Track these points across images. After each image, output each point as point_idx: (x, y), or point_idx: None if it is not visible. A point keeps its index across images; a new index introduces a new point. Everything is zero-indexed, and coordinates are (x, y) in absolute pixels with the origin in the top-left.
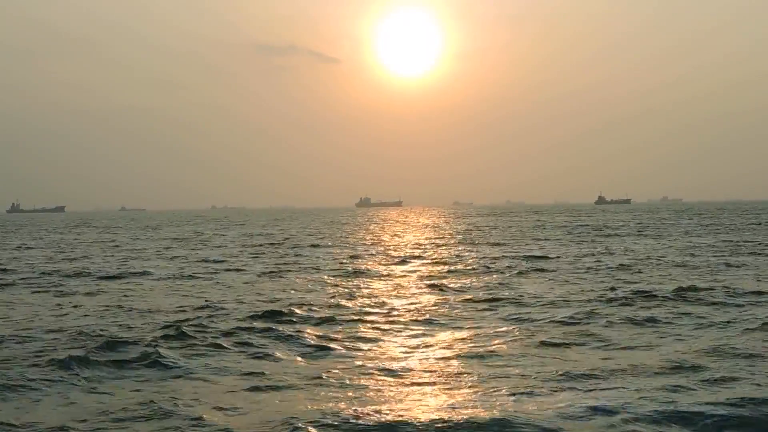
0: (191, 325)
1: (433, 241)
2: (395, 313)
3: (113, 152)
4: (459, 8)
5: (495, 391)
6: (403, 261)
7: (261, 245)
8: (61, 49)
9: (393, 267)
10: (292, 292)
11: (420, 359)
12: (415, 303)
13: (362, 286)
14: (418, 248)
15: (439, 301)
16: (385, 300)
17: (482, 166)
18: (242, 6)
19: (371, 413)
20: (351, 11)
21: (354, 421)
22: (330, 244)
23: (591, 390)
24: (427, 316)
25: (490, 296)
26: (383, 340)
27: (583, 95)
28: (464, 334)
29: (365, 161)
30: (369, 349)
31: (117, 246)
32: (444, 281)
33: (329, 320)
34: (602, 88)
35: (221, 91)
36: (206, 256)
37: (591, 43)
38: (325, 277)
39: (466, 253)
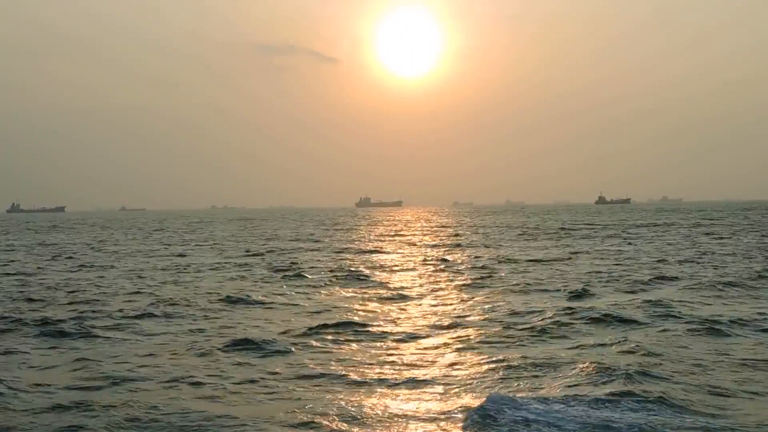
0: None
1: None
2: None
3: (113, 152)
4: (459, 8)
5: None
6: None
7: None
8: (61, 49)
9: None
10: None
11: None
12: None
13: None
14: None
15: None
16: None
17: (482, 166)
18: (242, 6)
19: None
20: (351, 11)
21: None
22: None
23: None
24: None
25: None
26: None
27: (583, 95)
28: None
29: (365, 161)
30: None
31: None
32: None
33: None
34: (602, 88)
35: (221, 91)
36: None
37: (591, 43)
38: None
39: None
